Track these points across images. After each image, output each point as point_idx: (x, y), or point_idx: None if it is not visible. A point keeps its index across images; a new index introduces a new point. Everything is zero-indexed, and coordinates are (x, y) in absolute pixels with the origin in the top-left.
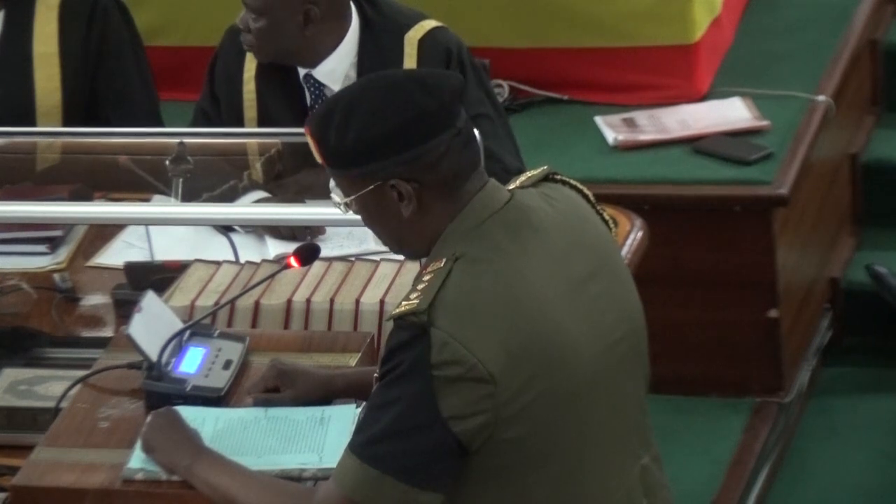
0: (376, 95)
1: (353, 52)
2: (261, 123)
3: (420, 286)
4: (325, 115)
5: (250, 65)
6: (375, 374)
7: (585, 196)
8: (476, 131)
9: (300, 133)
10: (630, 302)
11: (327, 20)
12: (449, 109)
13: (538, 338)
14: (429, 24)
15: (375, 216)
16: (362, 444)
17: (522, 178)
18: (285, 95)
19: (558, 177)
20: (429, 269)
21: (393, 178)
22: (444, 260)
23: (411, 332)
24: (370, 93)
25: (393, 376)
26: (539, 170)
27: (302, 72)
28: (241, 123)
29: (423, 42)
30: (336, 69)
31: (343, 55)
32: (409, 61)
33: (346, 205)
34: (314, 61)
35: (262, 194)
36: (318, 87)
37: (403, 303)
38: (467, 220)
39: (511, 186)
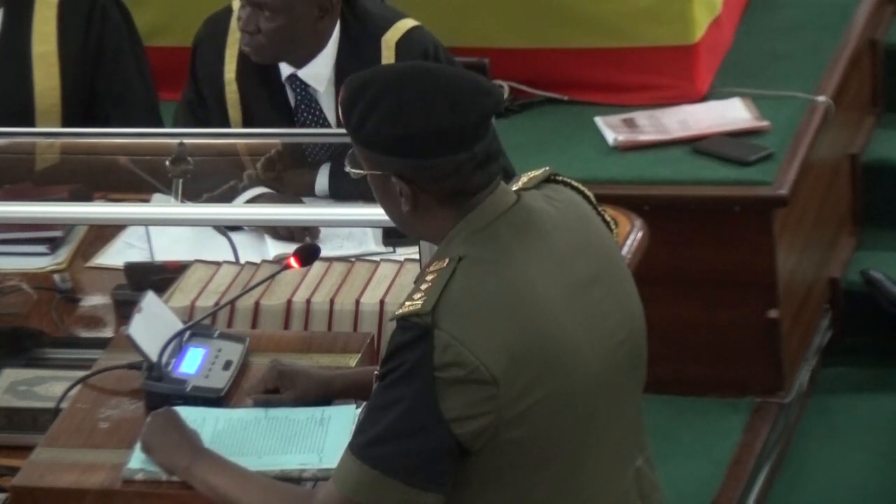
0: (407, 94)
1: (334, 53)
2: (245, 124)
3: (423, 286)
4: (357, 91)
5: (230, 66)
6: (376, 373)
7: (587, 197)
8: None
9: (300, 133)
10: (631, 304)
11: (334, 13)
12: (469, 133)
13: (541, 340)
14: (405, 24)
15: (381, 197)
16: (363, 445)
17: (524, 178)
18: (269, 96)
19: (560, 178)
20: (432, 269)
21: (395, 176)
22: (447, 260)
23: (414, 332)
24: (402, 88)
25: (395, 377)
26: (540, 170)
27: (285, 73)
28: (227, 122)
29: (400, 44)
30: (321, 71)
31: (328, 57)
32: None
33: (356, 174)
34: (306, 60)
35: (261, 190)
36: (304, 87)
37: (407, 303)
38: (474, 221)
39: (514, 187)
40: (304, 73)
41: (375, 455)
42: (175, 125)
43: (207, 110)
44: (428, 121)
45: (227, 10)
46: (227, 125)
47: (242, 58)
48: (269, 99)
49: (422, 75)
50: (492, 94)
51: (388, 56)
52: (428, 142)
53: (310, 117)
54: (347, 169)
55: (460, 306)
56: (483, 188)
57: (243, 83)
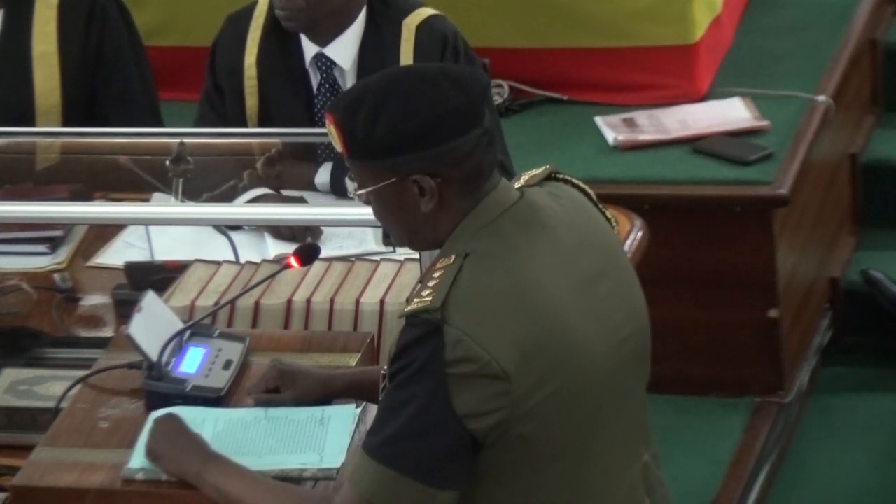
0: (409, 88)
1: (360, 34)
2: (261, 111)
3: (431, 283)
4: (353, 104)
5: (251, 51)
6: (383, 371)
7: (588, 195)
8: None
9: (301, 133)
10: (636, 300)
11: None
12: (478, 107)
13: (550, 335)
14: (426, 11)
15: (390, 209)
16: (378, 445)
17: (526, 176)
18: (289, 80)
19: (561, 175)
20: (438, 266)
21: (416, 173)
22: (453, 256)
23: (424, 329)
24: (402, 85)
25: (406, 374)
26: (542, 168)
27: (309, 55)
28: (243, 111)
29: (421, 28)
30: (347, 49)
31: (353, 36)
32: (406, 46)
33: (360, 196)
34: (334, 35)
35: (262, 191)
36: (329, 67)
37: (415, 300)
38: (479, 217)
39: (517, 185)
40: (331, 51)
41: (391, 454)
42: (197, 121)
43: (224, 103)
44: (440, 105)
45: (251, 6)
46: (244, 116)
47: (263, 44)
48: (289, 84)
49: (412, 70)
50: (480, 72)
51: (407, 38)
52: (445, 124)
53: (331, 99)
54: (355, 193)
55: (469, 301)
56: (492, 168)
57: (263, 68)
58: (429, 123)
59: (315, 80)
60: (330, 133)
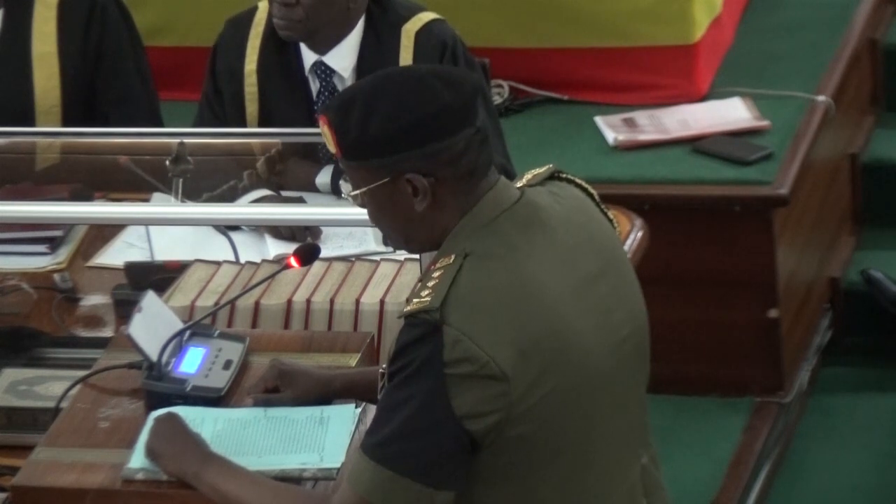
0: (400, 88)
1: (359, 41)
2: (261, 117)
3: (430, 283)
4: (345, 104)
5: (251, 58)
6: (381, 370)
7: (590, 195)
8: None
9: (301, 133)
10: (635, 301)
11: None
12: (471, 106)
13: (548, 335)
14: (426, 16)
15: (385, 210)
16: (376, 445)
17: (528, 175)
18: (289, 88)
19: (564, 175)
20: (438, 266)
21: (410, 172)
22: (453, 256)
23: (423, 329)
24: (393, 85)
25: (405, 374)
26: (544, 168)
27: (308, 62)
28: (243, 117)
29: (420, 34)
30: (346, 57)
31: (352, 43)
32: (406, 53)
33: (354, 197)
34: (332, 43)
35: (263, 192)
36: (328, 75)
37: (414, 300)
38: (478, 216)
39: (518, 184)
40: (330, 59)
41: (388, 454)
42: (196, 123)
43: (224, 106)
44: (432, 102)
45: (251, 10)
46: (244, 122)
47: (263, 51)
48: (289, 91)
49: (403, 71)
50: (472, 73)
51: (406, 45)
52: (440, 122)
53: None
54: (349, 194)
55: (468, 302)
56: (487, 168)
57: (263, 75)
58: (420, 122)
59: (314, 87)
60: (323, 134)
